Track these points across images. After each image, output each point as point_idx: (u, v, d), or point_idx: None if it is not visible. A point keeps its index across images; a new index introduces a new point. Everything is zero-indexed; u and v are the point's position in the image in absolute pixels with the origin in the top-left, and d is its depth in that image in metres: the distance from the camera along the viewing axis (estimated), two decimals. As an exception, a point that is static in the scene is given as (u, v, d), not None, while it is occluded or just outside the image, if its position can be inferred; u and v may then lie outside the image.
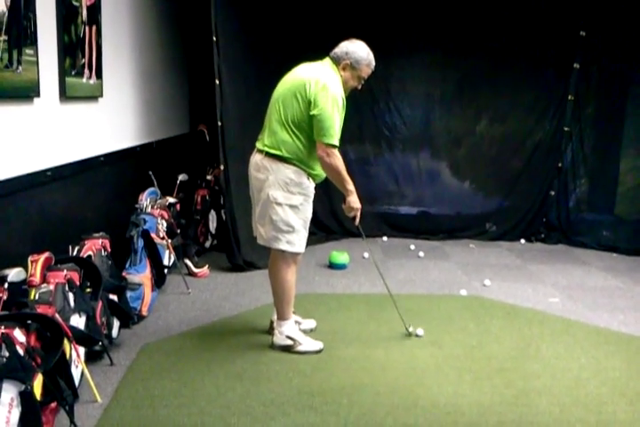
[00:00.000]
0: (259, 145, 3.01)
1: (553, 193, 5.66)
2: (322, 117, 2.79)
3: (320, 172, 2.96)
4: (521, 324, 3.54)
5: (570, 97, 5.50)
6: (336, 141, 2.85)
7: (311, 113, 2.80)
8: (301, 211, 2.92)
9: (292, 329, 3.06)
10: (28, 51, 2.67)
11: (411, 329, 3.27)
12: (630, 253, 5.23)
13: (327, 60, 2.98)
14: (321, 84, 2.81)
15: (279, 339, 3.05)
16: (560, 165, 5.61)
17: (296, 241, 2.94)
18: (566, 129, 5.57)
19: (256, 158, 2.98)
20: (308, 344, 3.04)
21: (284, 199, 2.88)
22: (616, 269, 4.83)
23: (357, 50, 2.95)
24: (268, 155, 2.91)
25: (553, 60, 5.45)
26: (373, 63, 3.00)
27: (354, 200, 3.00)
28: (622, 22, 5.21)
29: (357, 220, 3.09)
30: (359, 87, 3.05)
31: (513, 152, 5.65)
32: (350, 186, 2.97)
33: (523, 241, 5.61)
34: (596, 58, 5.42)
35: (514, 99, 5.58)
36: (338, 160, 2.86)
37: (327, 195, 4.83)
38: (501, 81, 5.52)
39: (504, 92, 5.56)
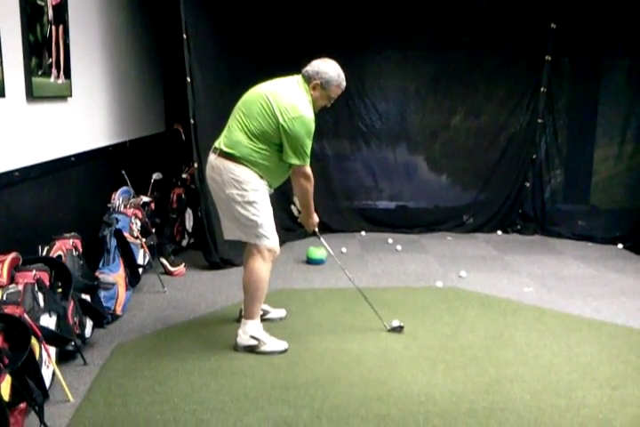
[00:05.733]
0: (215, 143, 3.03)
1: (528, 184, 5.71)
2: (299, 143, 2.86)
3: (269, 180, 2.98)
4: (495, 314, 3.58)
5: (542, 89, 5.56)
6: (308, 161, 2.96)
7: (285, 138, 2.85)
8: (260, 204, 2.93)
9: (256, 329, 3.00)
10: (-9, 51, 2.65)
11: (393, 324, 3.26)
12: (604, 241, 5.30)
13: (299, 78, 2.99)
14: (297, 114, 2.83)
15: (243, 339, 2.98)
16: (534, 156, 5.67)
17: (264, 234, 2.95)
18: (540, 121, 5.62)
19: (210, 158, 3.01)
20: (272, 344, 2.99)
21: (240, 197, 2.90)
22: (590, 257, 4.89)
23: (328, 70, 2.95)
24: (221, 153, 2.94)
25: (525, 52, 5.51)
26: (344, 84, 3.02)
27: (315, 219, 3.22)
28: (592, 13, 5.26)
29: (316, 229, 3.31)
30: (328, 105, 3.08)
31: (488, 145, 5.70)
32: (312, 207, 3.16)
33: (499, 232, 5.66)
34: (567, 49, 5.48)
35: (488, 92, 5.63)
36: (312, 185, 3.02)
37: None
38: (475, 74, 5.57)
39: (478, 86, 5.61)
